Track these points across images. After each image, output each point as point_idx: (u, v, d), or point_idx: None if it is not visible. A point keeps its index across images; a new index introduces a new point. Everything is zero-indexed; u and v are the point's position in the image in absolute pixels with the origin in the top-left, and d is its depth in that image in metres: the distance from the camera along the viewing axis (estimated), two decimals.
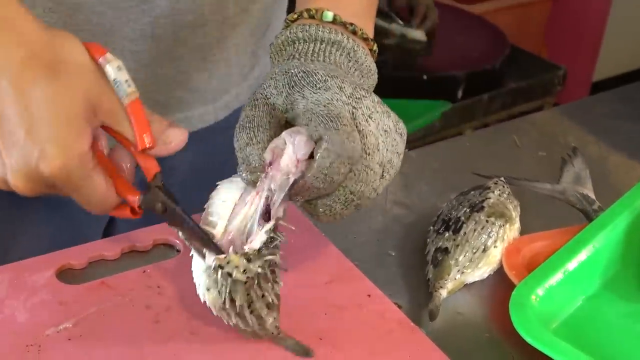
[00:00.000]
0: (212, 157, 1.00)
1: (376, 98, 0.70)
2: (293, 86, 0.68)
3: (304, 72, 0.69)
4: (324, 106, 0.66)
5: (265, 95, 0.70)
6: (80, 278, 0.75)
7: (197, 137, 0.99)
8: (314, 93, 0.67)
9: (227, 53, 0.96)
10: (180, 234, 0.68)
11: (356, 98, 0.68)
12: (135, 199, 0.68)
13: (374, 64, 0.76)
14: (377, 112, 0.69)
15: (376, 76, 0.76)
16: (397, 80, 2.38)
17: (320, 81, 0.68)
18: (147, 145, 0.67)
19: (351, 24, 0.75)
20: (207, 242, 0.67)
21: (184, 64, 0.92)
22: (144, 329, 0.70)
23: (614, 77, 3.08)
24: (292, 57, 0.72)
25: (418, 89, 2.31)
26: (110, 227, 0.98)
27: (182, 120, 0.96)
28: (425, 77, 2.34)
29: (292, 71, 0.69)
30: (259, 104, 0.69)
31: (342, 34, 0.73)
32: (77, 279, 0.75)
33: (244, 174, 0.68)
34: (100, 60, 0.66)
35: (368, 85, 0.75)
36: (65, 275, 0.76)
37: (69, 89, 0.64)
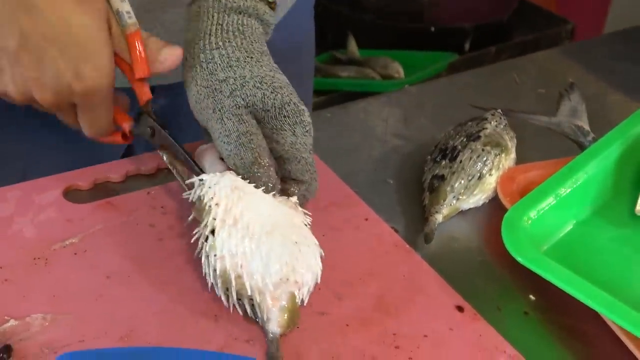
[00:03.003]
0: None
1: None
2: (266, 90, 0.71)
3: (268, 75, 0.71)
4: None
5: (246, 104, 0.70)
6: (86, 198, 0.78)
7: None
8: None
9: None
10: (165, 158, 0.74)
11: None
12: (128, 124, 0.76)
13: (270, 14, 0.77)
14: None
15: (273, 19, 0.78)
16: (405, 31, 2.38)
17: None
18: (143, 75, 0.72)
19: None
20: (189, 164, 0.73)
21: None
22: (148, 246, 0.72)
23: (623, 30, 3.05)
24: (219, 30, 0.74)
25: (426, 41, 2.31)
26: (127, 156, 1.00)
27: None
28: (433, 28, 2.34)
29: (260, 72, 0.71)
30: (247, 118, 0.70)
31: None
32: (83, 199, 0.77)
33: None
34: None
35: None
36: (72, 195, 0.78)
37: (96, 13, 0.68)
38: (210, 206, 0.66)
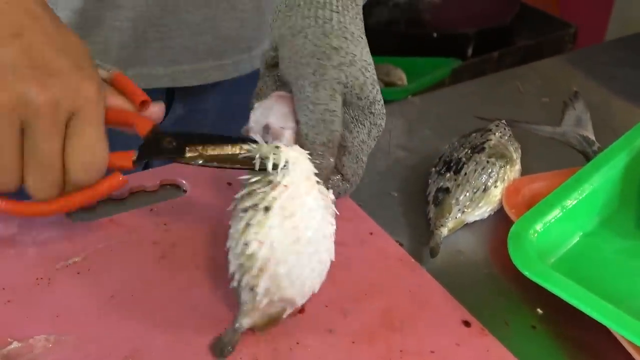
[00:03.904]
0: (245, 103, 1.01)
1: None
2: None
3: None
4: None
5: (346, 84, 0.68)
6: (88, 216, 0.77)
7: (231, 84, 1.00)
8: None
9: (259, 1, 0.96)
10: (199, 161, 0.67)
11: None
12: (128, 157, 0.68)
13: None
14: None
15: None
16: (408, 37, 2.38)
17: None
18: (146, 99, 0.69)
19: None
20: (241, 140, 0.66)
21: (211, 11, 0.92)
22: (151, 263, 0.72)
23: (626, 37, 3.05)
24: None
25: (428, 47, 2.31)
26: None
27: (216, 69, 0.97)
28: (435, 34, 2.34)
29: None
30: (339, 98, 0.68)
31: None
32: (85, 217, 0.77)
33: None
34: None
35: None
36: (74, 213, 0.77)
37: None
38: (279, 182, 0.62)
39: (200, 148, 0.67)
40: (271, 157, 0.63)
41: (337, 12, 0.69)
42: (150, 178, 0.82)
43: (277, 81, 0.73)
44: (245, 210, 0.62)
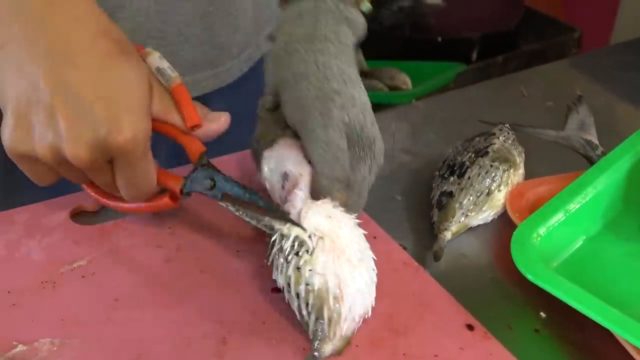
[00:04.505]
0: (241, 104, 1.01)
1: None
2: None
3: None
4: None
5: (350, 124, 0.69)
6: (93, 220, 0.78)
7: (226, 90, 1.00)
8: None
9: (246, 5, 0.97)
10: (230, 207, 0.69)
11: None
12: (177, 183, 0.70)
13: (362, 17, 0.78)
14: None
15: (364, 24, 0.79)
16: (412, 42, 2.38)
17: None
18: (195, 122, 0.70)
19: None
20: (272, 211, 0.68)
21: (210, 21, 0.93)
22: (156, 267, 0.72)
23: (632, 40, 3.04)
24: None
25: (432, 51, 2.31)
26: None
27: (212, 78, 0.97)
28: (439, 39, 2.34)
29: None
30: (345, 137, 0.69)
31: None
32: (90, 221, 0.77)
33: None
34: (142, 53, 0.69)
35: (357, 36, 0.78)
36: (79, 217, 0.78)
37: (139, 66, 0.66)
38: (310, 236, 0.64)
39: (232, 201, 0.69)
40: (292, 238, 0.64)
41: (336, 59, 0.72)
42: None
43: (280, 123, 0.74)
44: (287, 260, 0.64)
